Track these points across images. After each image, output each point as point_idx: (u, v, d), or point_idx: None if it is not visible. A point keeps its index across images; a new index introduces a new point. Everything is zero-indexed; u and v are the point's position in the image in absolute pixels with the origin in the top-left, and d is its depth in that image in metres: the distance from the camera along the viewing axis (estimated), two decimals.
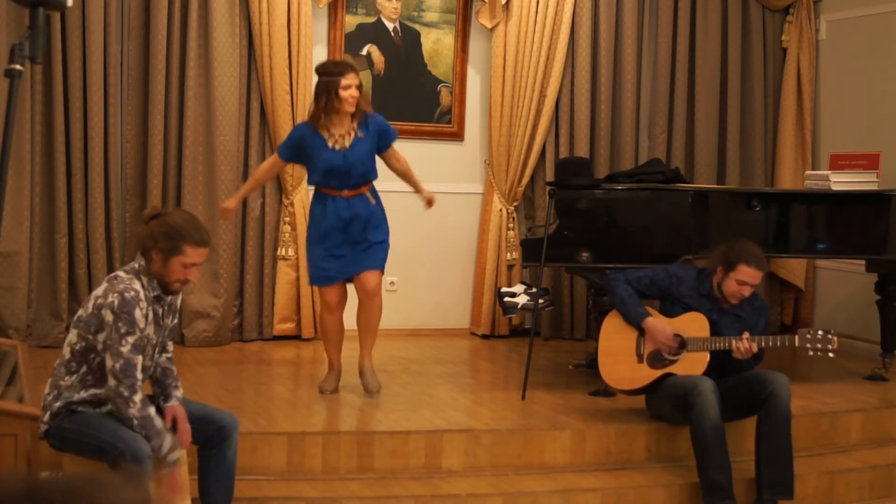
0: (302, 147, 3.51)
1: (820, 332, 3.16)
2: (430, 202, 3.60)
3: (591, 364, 3.83)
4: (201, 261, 2.48)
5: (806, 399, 3.70)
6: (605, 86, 4.86)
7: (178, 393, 2.62)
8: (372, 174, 3.55)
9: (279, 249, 4.50)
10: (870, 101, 4.94)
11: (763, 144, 5.17)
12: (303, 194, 4.52)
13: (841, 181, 4.11)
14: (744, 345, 3.08)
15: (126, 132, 4.27)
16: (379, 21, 4.71)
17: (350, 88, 3.41)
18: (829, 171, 4.29)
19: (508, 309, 4.28)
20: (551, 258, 3.67)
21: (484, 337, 4.86)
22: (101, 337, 2.42)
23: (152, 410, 2.42)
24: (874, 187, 4.10)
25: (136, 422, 2.38)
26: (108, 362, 2.40)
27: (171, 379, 2.64)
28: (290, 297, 4.51)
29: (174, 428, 2.51)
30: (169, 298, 2.56)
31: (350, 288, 3.61)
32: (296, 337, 4.59)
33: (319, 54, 4.57)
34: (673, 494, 3.16)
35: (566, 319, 4.88)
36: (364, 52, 4.69)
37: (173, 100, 4.26)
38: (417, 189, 3.61)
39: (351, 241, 3.51)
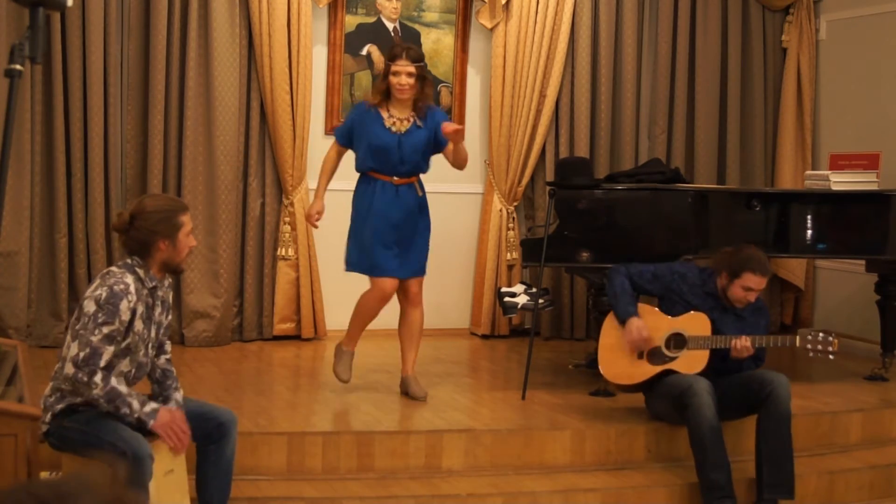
0: (357, 125, 3.46)
1: (821, 335, 3.17)
2: (455, 132, 3.30)
3: (591, 364, 3.82)
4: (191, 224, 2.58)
5: (806, 399, 3.69)
6: (605, 86, 4.85)
7: (178, 395, 2.62)
8: (423, 167, 3.52)
9: (279, 249, 4.48)
10: (870, 101, 4.94)
11: (763, 144, 5.17)
12: (303, 194, 4.52)
13: (841, 181, 4.11)
14: (741, 342, 3.10)
15: (126, 132, 4.26)
16: (379, 21, 4.70)
17: (399, 76, 3.38)
18: (829, 171, 4.30)
19: (508, 309, 4.26)
20: (551, 258, 3.67)
21: (484, 337, 4.85)
22: (76, 326, 2.39)
23: (114, 380, 2.39)
24: (874, 187, 4.10)
25: (102, 400, 2.36)
26: (73, 350, 2.37)
27: (171, 381, 2.64)
28: (290, 298, 4.50)
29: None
30: (161, 294, 2.56)
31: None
32: (296, 337, 4.58)
33: (319, 54, 4.59)
34: (673, 494, 3.15)
35: (566, 319, 4.88)
36: (364, 52, 4.69)
37: (173, 100, 4.25)
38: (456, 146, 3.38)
39: (402, 235, 3.47)
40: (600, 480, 3.17)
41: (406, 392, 3.61)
